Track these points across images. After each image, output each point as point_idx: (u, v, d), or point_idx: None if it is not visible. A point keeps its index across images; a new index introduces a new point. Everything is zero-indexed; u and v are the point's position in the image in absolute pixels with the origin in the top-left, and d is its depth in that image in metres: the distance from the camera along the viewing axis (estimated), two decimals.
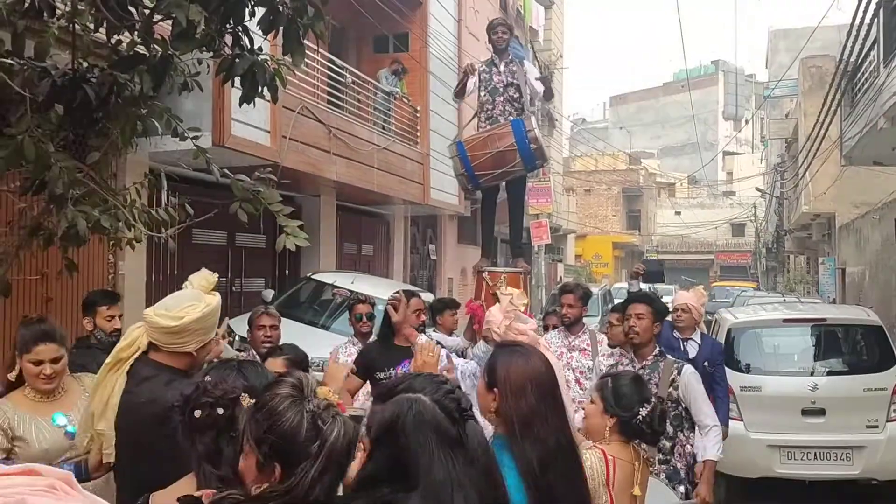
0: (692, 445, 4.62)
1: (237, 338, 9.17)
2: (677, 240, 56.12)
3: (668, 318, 6.35)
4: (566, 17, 30.59)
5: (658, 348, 4.66)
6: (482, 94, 6.38)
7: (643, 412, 3.01)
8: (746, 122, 70.21)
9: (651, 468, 3.66)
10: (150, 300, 9.90)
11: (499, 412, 2.47)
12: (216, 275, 3.01)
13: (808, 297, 21.84)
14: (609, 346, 5.40)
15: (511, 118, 6.19)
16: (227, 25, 4.40)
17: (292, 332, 9.24)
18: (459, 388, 3.35)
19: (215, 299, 2.90)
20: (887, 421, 6.63)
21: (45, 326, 3.44)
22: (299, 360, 3.71)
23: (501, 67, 6.34)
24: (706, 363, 5.76)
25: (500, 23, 6.51)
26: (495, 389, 2.48)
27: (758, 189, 40.38)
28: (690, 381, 4.54)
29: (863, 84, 13.16)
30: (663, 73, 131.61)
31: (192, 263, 10.63)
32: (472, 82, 6.46)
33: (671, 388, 4.52)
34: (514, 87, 6.29)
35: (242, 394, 2.10)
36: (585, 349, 5.70)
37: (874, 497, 6.90)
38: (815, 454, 6.72)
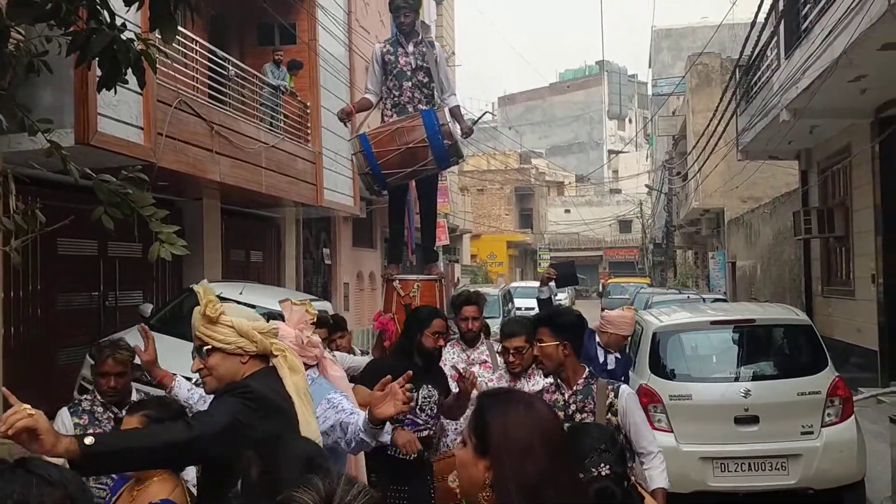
0: (635, 476, 4.06)
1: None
2: (568, 237, 56.95)
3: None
4: (457, 14, 30.21)
5: (587, 369, 4.02)
6: (387, 79, 5.64)
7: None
8: (630, 120, 72.17)
9: None
10: (9, 319, 8.76)
11: (495, 486, 1.78)
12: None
13: (699, 291, 22.13)
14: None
15: (421, 107, 5.49)
16: None
17: (174, 350, 8.33)
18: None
19: None
20: (822, 426, 6.28)
21: None
22: (162, 419, 2.90)
23: (410, 48, 5.60)
24: (623, 378, 5.37)
25: (402, 4, 5.74)
26: (488, 456, 1.79)
27: (647, 186, 41.17)
28: (629, 404, 3.96)
29: (760, 78, 13.17)
30: (548, 72, 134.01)
31: (58, 276, 9.64)
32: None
33: (609, 415, 3.91)
34: (424, 70, 5.58)
35: None
36: (486, 361, 5.13)
37: None
38: (750, 464, 6.31)
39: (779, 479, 6.27)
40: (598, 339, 5.99)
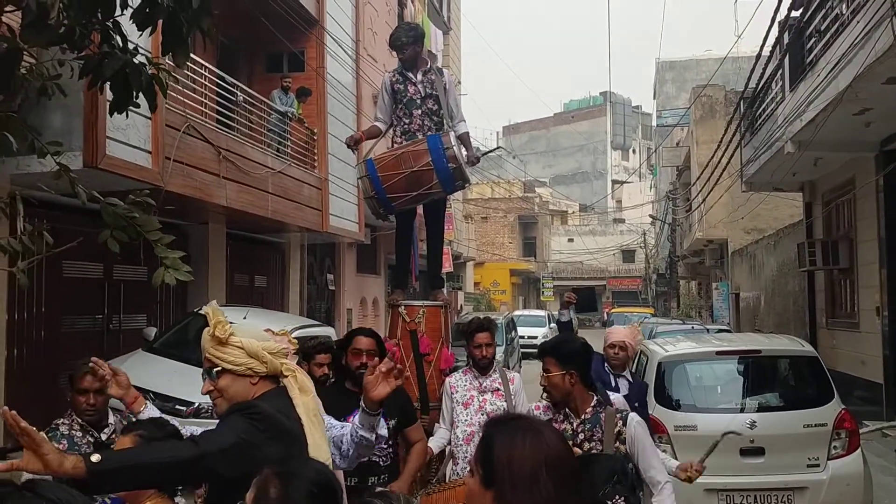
0: None
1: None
2: (571, 266, 56.90)
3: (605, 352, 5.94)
4: (463, 44, 30.45)
5: (596, 398, 3.98)
6: (397, 107, 5.68)
7: None
8: (634, 151, 72.40)
9: None
10: (13, 340, 8.76)
11: None
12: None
13: (702, 321, 22.05)
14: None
15: (429, 134, 5.52)
16: (94, 20, 3.64)
17: (178, 373, 8.30)
18: None
19: None
20: (828, 459, 6.23)
21: None
22: (156, 439, 2.87)
23: (418, 77, 5.64)
24: (636, 404, 5.30)
25: (402, 41, 5.74)
26: (494, 487, 1.75)
27: (651, 216, 41.22)
28: (638, 432, 3.90)
29: (764, 110, 13.23)
30: (553, 102, 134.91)
31: (63, 299, 9.64)
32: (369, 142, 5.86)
33: (618, 443, 3.86)
34: (434, 98, 5.61)
35: None
36: (498, 389, 5.03)
37: None
38: (756, 497, 6.25)
39: None
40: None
